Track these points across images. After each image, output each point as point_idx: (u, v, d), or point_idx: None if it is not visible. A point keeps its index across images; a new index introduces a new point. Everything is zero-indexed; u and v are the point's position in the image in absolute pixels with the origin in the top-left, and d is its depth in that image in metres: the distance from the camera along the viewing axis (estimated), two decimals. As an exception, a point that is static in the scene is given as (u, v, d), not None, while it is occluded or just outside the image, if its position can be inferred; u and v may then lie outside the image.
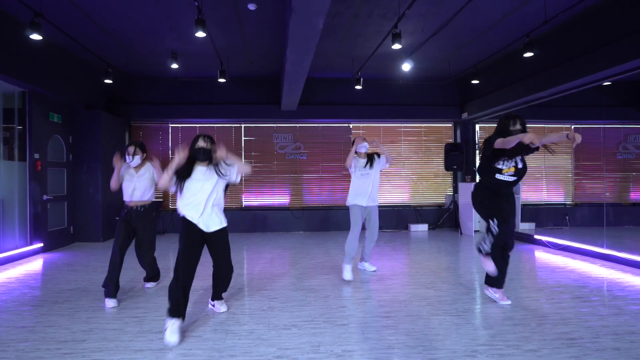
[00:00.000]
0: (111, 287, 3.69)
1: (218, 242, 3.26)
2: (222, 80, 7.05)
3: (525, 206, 8.44)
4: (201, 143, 3.20)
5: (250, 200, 9.01)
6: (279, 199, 9.05)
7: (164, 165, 4.18)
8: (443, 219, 9.09)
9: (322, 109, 8.76)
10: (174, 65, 6.80)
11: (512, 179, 3.48)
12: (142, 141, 5.55)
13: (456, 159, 8.54)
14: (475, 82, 7.45)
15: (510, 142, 3.22)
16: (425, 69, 7.99)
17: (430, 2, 5.15)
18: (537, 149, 3.35)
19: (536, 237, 7.00)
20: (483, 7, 5.29)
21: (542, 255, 6.05)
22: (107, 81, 6.84)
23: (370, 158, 4.77)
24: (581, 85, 5.88)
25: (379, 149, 4.87)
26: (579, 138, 3.09)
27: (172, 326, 2.87)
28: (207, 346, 2.80)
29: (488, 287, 3.77)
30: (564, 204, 8.77)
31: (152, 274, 4.29)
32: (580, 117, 8.30)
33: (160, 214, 8.41)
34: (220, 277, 3.40)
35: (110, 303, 3.66)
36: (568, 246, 6.23)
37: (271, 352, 2.69)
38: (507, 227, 3.47)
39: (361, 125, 9.13)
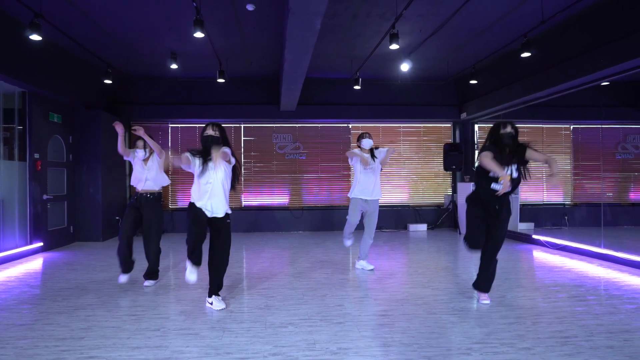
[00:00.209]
0: (124, 266, 4.18)
1: (219, 227, 3.49)
2: (221, 80, 7.08)
3: (524, 206, 8.46)
4: (209, 131, 3.41)
5: (249, 200, 9.04)
6: (279, 198, 9.08)
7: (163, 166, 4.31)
8: (442, 218, 9.11)
9: (321, 109, 8.78)
10: (174, 66, 6.83)
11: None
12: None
13: (455, 159, 8.55)
14: (473, 82, 7.46)
15: (485, 164, 3.32)
16: (424, 69, 8.00)
17: (429, 2, 5.17)
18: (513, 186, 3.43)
19: (534, 237, 7.01)
20: (481, 7, 5.31)
21: (540, 255, 6.07)
22: (107, 81, 6.87)
23: (372, 152, 4.93)
24: (579, 85, 5.89)
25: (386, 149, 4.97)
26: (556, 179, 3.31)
27: (192, 267, 3.39)
28: (203, 343, 2.82)
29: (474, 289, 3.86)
30: (563, 204, 8.78)
31: (154, 268, 4.36)
32: (579, 117, 8.32)
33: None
34: (216, 264, 3.52)
35: (121, 278, 4.20)
36: (566, 246, 6.25)
37: (267, 350, 2.71)
38: (469, 243, 3.59)
39: (360, 125, 9.13)
